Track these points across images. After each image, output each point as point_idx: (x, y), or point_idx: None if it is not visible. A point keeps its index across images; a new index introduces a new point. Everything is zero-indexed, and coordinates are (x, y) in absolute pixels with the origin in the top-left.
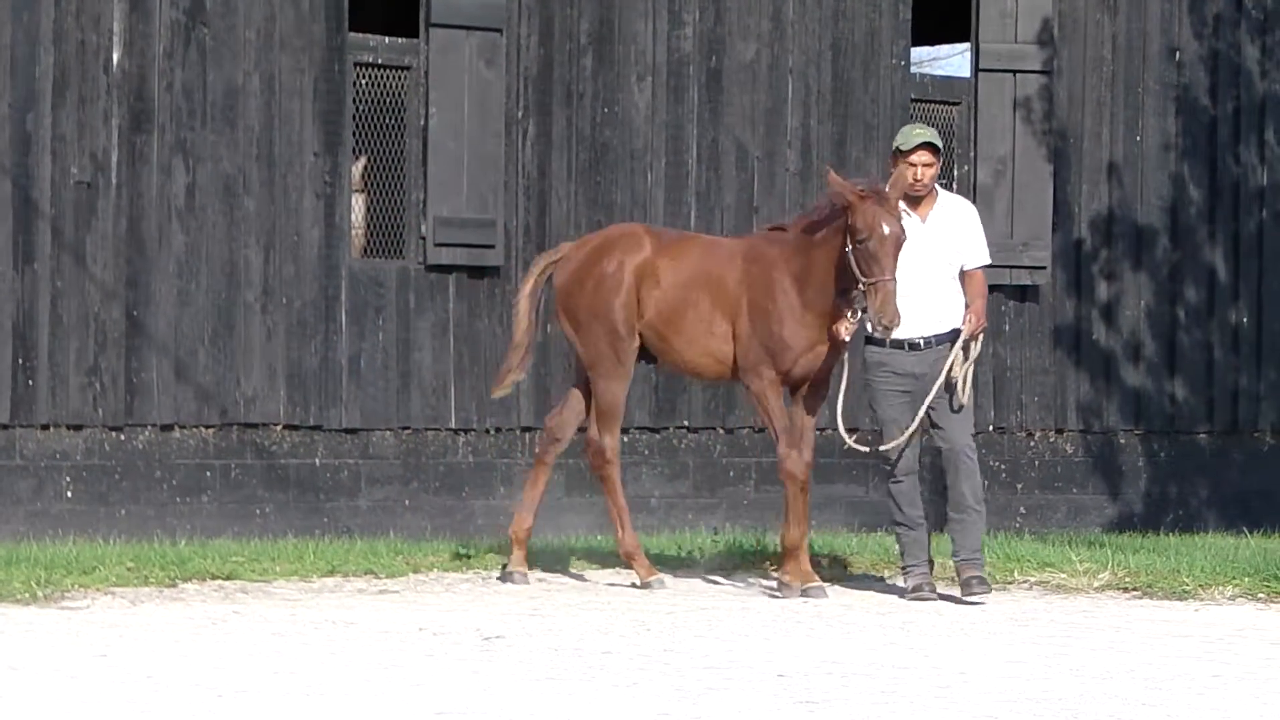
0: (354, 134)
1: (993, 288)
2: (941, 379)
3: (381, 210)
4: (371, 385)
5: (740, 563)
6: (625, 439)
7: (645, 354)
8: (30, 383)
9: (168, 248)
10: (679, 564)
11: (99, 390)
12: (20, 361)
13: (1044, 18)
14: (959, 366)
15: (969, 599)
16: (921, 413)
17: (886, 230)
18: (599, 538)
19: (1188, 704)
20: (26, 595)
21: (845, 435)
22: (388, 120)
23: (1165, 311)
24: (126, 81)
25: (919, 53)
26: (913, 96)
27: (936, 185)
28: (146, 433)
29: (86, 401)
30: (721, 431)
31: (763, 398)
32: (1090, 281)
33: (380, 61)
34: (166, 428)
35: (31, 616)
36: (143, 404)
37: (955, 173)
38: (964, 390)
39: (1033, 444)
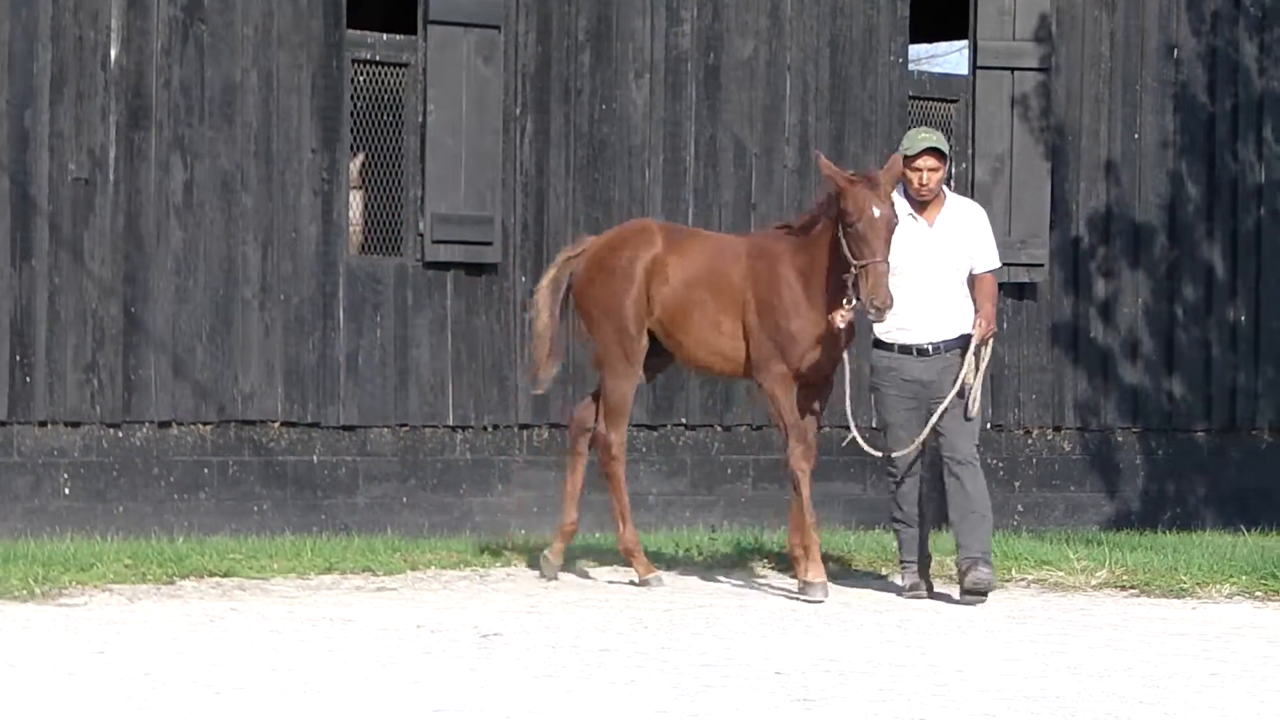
0: (352, 131)
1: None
2: (955, 389)
3: (379, 207)
4: (369, 382)
5: (738, 560)
6: None
7: (663, 349)
8: (28, 379)
9: (165, 244)
10: (676, 561)
11: (97, 387)
12: (18, 358)
13: (1042, 15)
14: (972, 375)
15: (966, 599)
16: (934, 420)
17: (877, 213)
18: (596, 535)
19: (1185, 702)
20: (24, 592)
21: (860, 439)
22: (386, 117)
23: (1163, 309)
24: (124, 78)
25: (917, 50)
26: (910, 94)
27: (945, 189)
28: (144, 430)
29: (84, 398)
30: (719, 429)
31: (774, 395)
32: (1088, 279)
33: (378, 58)
34: (164, 425)
35: (29, 613)
36: (140, 401)
37: (953, 170)
38: (975, 403)
39: (1030, 442)
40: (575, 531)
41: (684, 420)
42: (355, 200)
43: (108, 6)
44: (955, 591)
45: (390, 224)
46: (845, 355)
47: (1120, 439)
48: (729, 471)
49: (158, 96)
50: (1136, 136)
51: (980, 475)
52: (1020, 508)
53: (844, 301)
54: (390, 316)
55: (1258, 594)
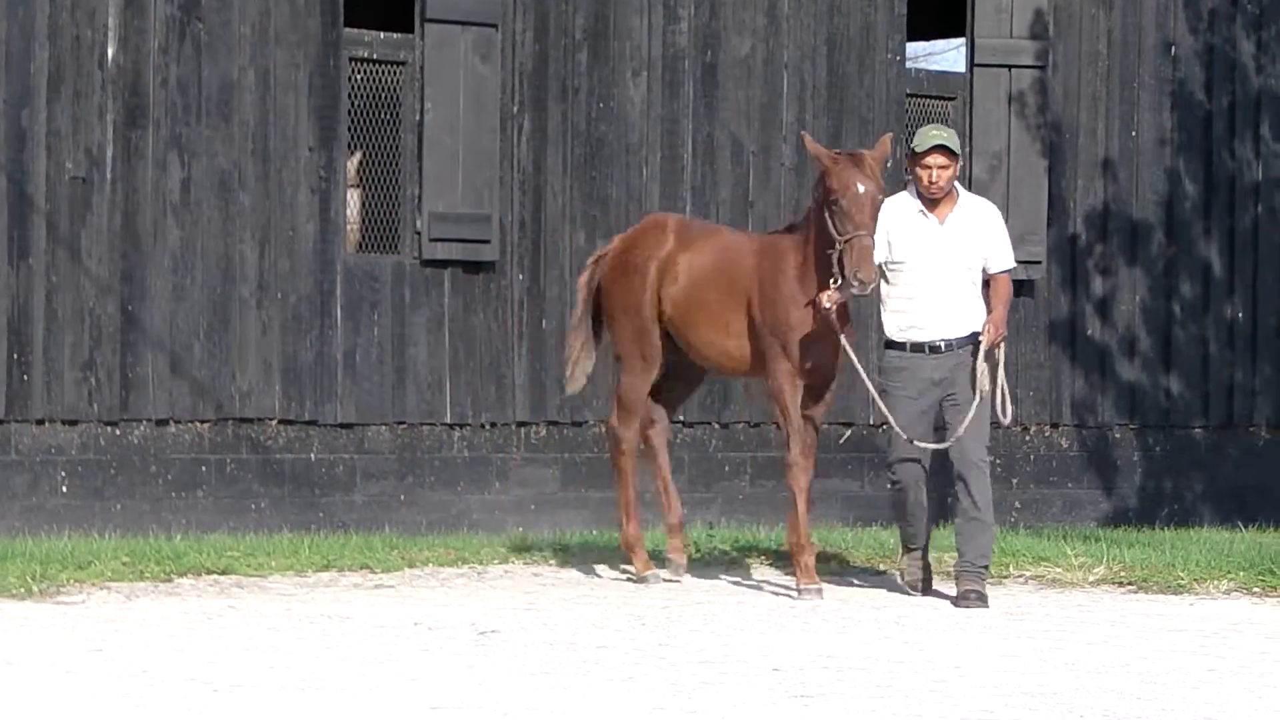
0: (349, 129)
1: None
2: (975, 401)
3: (377, 205)
4: (367, 380)
5: (736, 557)
6: None
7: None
8: (25, 378)
9: (163, 243)
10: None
11: (94, 385)
12: (15, 356)
13: (1039, 12)
14: (988, 383)
15: (961, 605)
16: (962, 429)
17: (861, 189)
18: (594, 532)
19: (1183, 698)
20: (22, 590)
21: (909, 436)
22: (383, 115)
23: (1160, 306)
24: (121, 77)
25: (914, 48)
26: (908, 91)
27: (958, 187)
28: (142, 428)
29: (81, 396)
30: (717, 426)
31: (779, 394)
32: (1085, 276)
33: (375, 56)
34: (162, 423)
35: (27, 611)
36: (138, 399)
37: None
38: (1005, 407)
39: (1028, 439)
40: (682, 523)
41: (681, 417)
42: (353, 198)
43: (105, 5)
44: (953, 589)
45: (388, 222)
46: (845, 341)
47: (1118, 436)
48: (726, 469)
49: (155, 95)
50: (1134, 134)
51: (988, 480)
52: (1018, 504)
53: (830, 281)
54: (388, 314)
55: (1255, 590)
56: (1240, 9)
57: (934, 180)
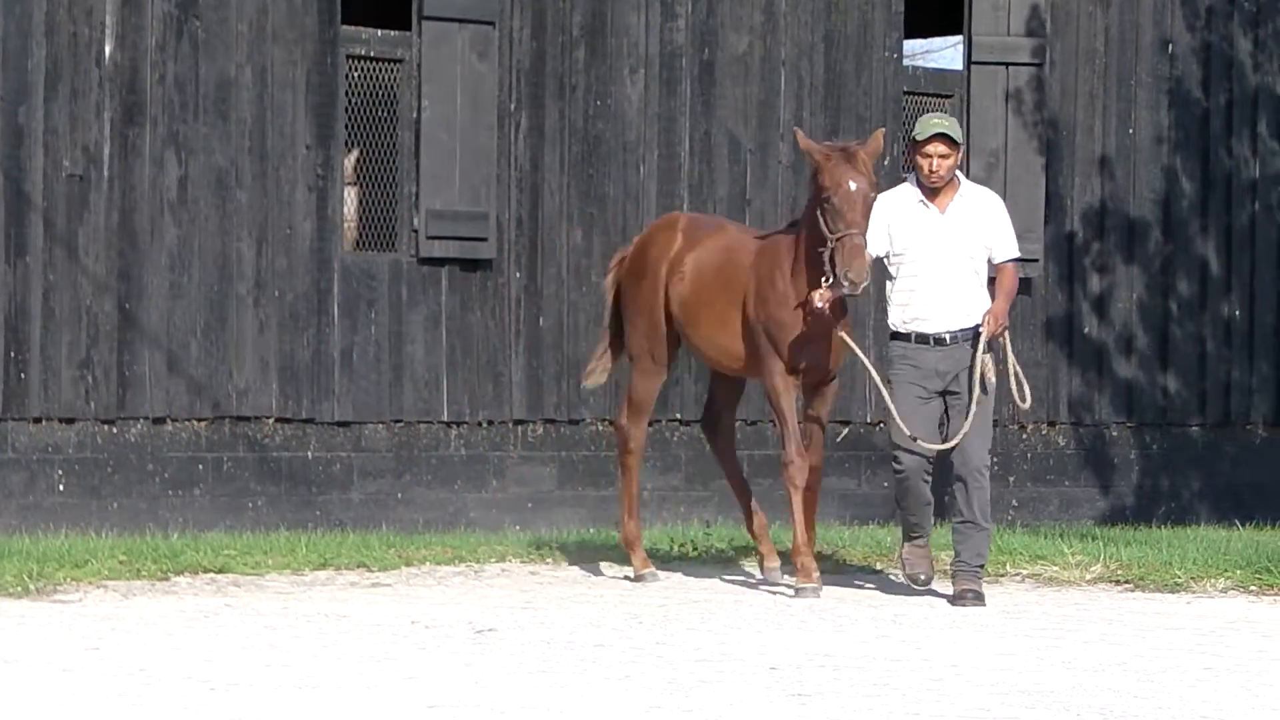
0: (346, 127)
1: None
2: (978, 391)
3: (374, 203)
4: (363, 378)
5: (733, 556)
6: None
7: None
8: (22, 376)
9: (160, 241)
10: (671, 557)
11: (91, 383)
12: (12, 355)
13: (1036, 9)
14: (990, 372)
15: (958, 604)
16: (967, 427)
17: (853, 186)
18: (591, 530)
19: (1179, 696)
20: (19, 588)
21: (913, 437)
22: (380, 113)
23: (1157, 304)
24: (119, 74)
25: (911, 45)
26: (905, 89)
27: (960, 176)
28: (138, 426)
29: (78, 394)
30: None
31: (775, 395)
32: (1082, 274)
33: (373, 54)
34: (158, 421)
35: (24, 609)
36: (135, 397)
37: None
38: (1023, 392)
39: (1025, 437)
40: (765, 523)
41: (678, 415)
42: (350, 196)
43: (102, 3)
44: (950, 587)
45: (385, 220)
46: (846, 336)
47: (1115, 434)
48: None
49: (152, 93)
50: (1131, 132)
51: (987, 487)
52: (1015, 503)
53: (822, 280)
54: (385, 312)
55: (1252, 588)
56: (1237, 7)
57: (935, 169)
